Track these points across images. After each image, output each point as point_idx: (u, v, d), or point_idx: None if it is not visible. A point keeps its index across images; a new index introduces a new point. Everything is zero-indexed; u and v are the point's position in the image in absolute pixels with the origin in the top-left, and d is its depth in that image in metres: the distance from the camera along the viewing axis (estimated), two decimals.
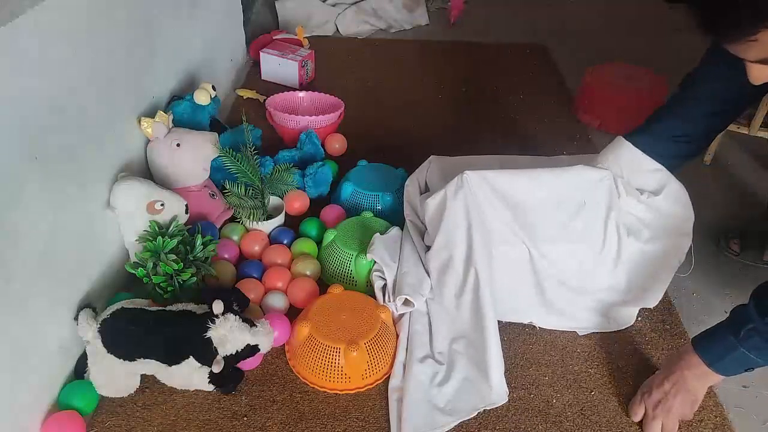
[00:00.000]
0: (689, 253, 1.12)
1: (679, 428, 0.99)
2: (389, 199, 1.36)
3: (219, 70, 1.83)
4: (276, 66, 1.97)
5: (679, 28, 2.65)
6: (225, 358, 0.94)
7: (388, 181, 1.40)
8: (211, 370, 0.95)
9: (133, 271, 1.07)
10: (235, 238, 1.28)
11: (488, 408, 1.00)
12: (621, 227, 1.09)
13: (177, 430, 0.96)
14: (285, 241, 1.29)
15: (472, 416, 0.99)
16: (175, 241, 1.08)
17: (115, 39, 1.11)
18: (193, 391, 1.01)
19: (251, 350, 0.96)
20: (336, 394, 1.02)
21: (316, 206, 1.40)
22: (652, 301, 1.13)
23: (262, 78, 2.02)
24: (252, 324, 0.96)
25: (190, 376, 0.97)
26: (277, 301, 1.13)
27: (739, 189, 1.63)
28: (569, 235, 1.08)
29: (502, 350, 1.06)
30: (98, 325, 0.94)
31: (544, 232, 1.08)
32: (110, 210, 1.08)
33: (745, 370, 0.92)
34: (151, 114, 1.22)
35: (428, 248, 1.17)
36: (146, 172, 1.25)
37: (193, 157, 1.24)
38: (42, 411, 0.93)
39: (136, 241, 1.11)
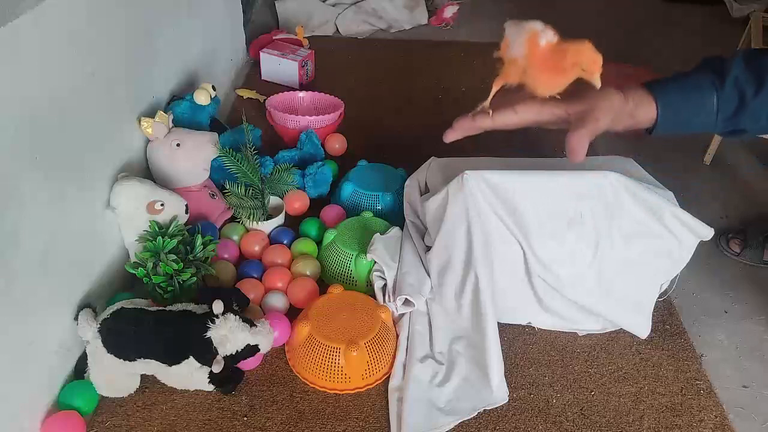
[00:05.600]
0: (673, 280, 1.13)
1: (678, 428, 0.99)
2: (389, 199, 1.36)
3: (219, 70, 1.83)
4: (276, 66, 1.97)
5: (678, 28, 2.66)
6: (225, 358, 0.94)
7: (388, 181, 1.40)
8: (211, 370, 0.95)
9: (133, 271, 1.07)
10: (235, 238, 1.28)
11: (488, 408, 1.00)
12: (616, 237, 1.08)
13: (177, 430, 0.96)
14: (285, 241, 1.29)
15: (472, 416, 0.99)
16: (175, 241, 1.08)
17: (115, 39, 1.11)
18: (193, 391, 1.01)
19: (251, 350, 0.96)
20: (336, 394, 1.02)
21: (316, 206, 1.40)
22: (644, 329, 1.13)
23: (262, 78, 2.02)
24: (252, 324, 0.96)
25: (190, 376, 0.97)
26: (277, 301, 1.13)
27: (739, 189, 1.63)
28: (562, 244, 1.08)
29: (502, 350, 1.06)
30: (98, 325, 0.94)
31: (540, 236, 1.08)
32: (110, 210, 1.08)
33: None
34: (151, 114, 1.22)
35: (428, 249, 1.17)
36: (146, 172, 1.25)
37: (193, 157, 1.24)
38: (42, 411, 0.93)
39: (136, 241, 1.11)
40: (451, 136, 0.72)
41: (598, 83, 0.64)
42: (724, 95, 0.67)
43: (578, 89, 0.68)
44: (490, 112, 0.69)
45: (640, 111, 0.69)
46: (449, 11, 2.47)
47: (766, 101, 0.65)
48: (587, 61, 0.64)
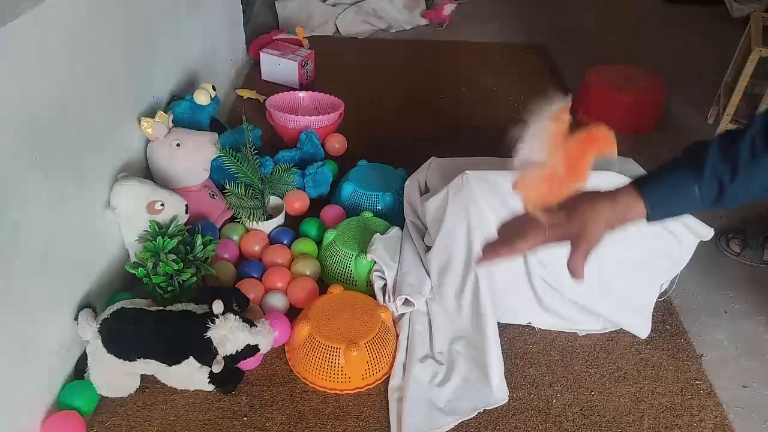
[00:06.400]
0: (673, 280, 1.13)
1: (678, 428, 0.99)
2: (389, 199, 1.36)
3: (219, 70, 1.83)
4: (276, 66, 1.97)
5: (678, 28, 2.66)
6: (225, 358, 0.94)
7: (388, 181, 1.40)
8: (211, 370, 0.95)
9: (133, 271, 1.07)
10: (235, 238, 1.28)
11: (488, 408, 1.00)
12: (616, 237, 1.08)
13: (177, 430, 0.96)
14: (285, 241, 1.29)
15: (472, 416, 0.99)
16: (175, 241, 1.08)
17: (115, 39, 1.11)
18: (193, 391, 1.01)
19: (251, 350, 0.96)
20: (336, 394, 1.02)
21: (316, 206, 1.40)
22: (644, 329, 1.13)
23: (262, 78, 2.02)
24: (252, 324, 0.96)
25: (190, 376, 0.97)
26: (277, 301, 1.13)
27: None
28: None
29: (502, 350, 1.06)
30: (98, 325, 0.94)
31: None
32: (110, 210, 1.08)
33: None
34: (151, 114, 1.22)
35: (428, 249, 1.17)
36: (146, 172, 1.25)
37: (193, 157, 1.24)
38: (42, 411, 0.93)
39: (136, 241, 1.11)
40: (480, 263, 0.78)
41: (615, 154, 0.71)
42: (704, 184, 0.73)
43: (569, 203, 0.74)
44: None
45: (631, 212, 0.77)
46: (448, 9, 2.47)
47: (743, 185, 0.72)
48: (611, 143, 0.71)
